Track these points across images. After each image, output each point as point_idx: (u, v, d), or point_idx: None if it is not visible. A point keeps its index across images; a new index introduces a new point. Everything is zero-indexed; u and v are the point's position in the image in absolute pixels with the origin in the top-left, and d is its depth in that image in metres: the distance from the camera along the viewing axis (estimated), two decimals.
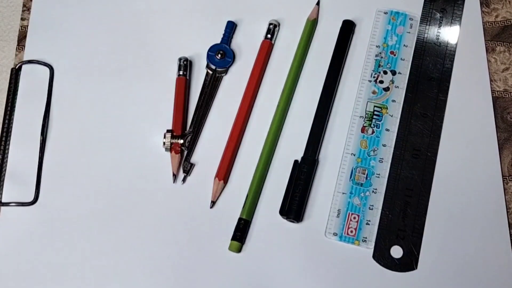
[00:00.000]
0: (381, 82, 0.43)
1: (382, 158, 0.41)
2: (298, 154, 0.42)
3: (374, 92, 0.43)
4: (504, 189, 0.41)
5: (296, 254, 0.40)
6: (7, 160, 0.42)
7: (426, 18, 0.45)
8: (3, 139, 0.42)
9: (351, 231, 0.40)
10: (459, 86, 0.43)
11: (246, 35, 0.45)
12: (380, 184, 0.41)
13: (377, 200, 0.40)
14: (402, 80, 0.43)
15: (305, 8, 0.46)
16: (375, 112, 0.42)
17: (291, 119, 0.43)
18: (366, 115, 0.42)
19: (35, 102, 0.43)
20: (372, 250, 0.39)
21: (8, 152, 0.42)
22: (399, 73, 0.43)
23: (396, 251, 0.40)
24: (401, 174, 0.41)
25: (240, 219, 0.40)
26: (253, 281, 0.39)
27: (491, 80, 0.44)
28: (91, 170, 0.42)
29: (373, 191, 0.41)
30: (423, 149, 0.42)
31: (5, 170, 0.41)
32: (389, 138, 0.42)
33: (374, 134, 0.42)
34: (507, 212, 0.40)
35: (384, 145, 0.42)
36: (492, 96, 0.43)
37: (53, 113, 0.43)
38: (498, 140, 0.42)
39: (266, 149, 0.41)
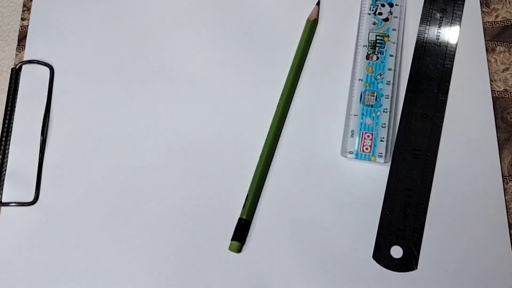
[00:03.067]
0: (380, 14, 0.45)
1: (390, 81, 0.43)
2: (298, 154, 0.42)
3: (374, 23, 0.44)
4: (504, 189, 0.41)
5: (296, 254, 0.40)
6: (7, 160, 0.42)
7: (426, 18, 0.45)
8: (3, 139, 0.42)
9: (366, 149, 0.41)
10: (459, 86, 0.43)
11: None
12: (391, 104, 0.42)
13: (389, 119, 0.42)
14: (401, 11, 0.45)
15: (305, 8, 0.46)
16: (378, 41, 0.44)
17: (291, 119, 0.43)
18: (369, 44, 0.44)
19: (35, 102, 0.43)
20: (389, 166, 0.41)
21: (8, 152, 0.42)
22: (396, 4, 0.45)
23: (396, 251, 0.40)
24: (401, 174, 0.41)
25: (240, 219, 0.40)
26: (253, 281, 0.39)
27: (491, 80, 0.44)
28: (91, 170, 0.42)
29: (384, 111, 0.42)
30: (423, 149, 0.42)
31: (5, 170, 0.41)
32: (394, 62, 0.43)
33: (379, 60, 0.43)
34: (507, 212, 0.40)
35: (389, 69, 0.43)
36: (492, 96, 0.43)
37: (53, 113, 0.43)
38: (498, 140, 0.42)
39: (266, 149, 0.41)
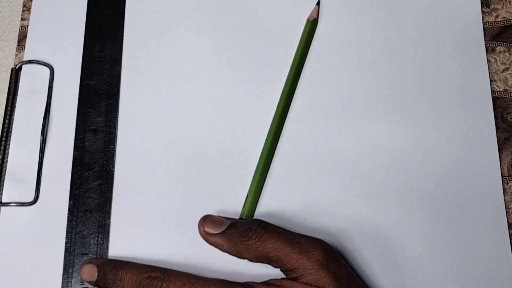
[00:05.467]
0: None
1: None
2: (298, 154, 0.42)
3: None
4: (504, 189, 0.41)
5: None
6: (7, 160, 0.42)
7: None
8: (3, 139, 0.42)
9: None
10: (459, 86, 0.43)
11: None
12: None
13: None
14: None
15: (305, 8, 0.46)
16: None
17: (291, 119, 0.43)
18: None
19: (35, 102, 0.43)
20: None
21: (8, 152, 0.42)
22: None
23: None
24: None
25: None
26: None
27: (491, 80, 0.44)
28: None
29: None
30: None
31: (5, 170, 0.41)
32: None
33: None
34: (507, 212, 0.40)
35: None
36: (492, 96, 0.43)
37: (53, 113, 0.43)
38: (498, 140, 0.42)
39: (266, 149, 0.41)
